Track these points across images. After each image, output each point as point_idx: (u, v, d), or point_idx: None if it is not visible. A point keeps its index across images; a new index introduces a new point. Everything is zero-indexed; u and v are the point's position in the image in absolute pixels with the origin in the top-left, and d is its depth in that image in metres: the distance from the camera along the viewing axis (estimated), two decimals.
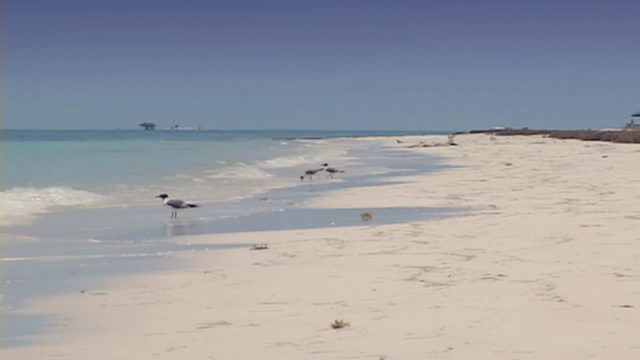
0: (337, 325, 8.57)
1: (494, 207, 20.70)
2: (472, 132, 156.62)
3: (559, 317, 8.86)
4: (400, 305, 9.60)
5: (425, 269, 11.92)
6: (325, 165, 38.83)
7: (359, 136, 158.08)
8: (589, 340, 7.95)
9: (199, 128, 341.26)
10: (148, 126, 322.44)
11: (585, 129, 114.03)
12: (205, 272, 12.11)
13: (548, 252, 13.18)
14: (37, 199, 23.40)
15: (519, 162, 46.49)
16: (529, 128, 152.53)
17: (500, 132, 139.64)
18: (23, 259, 13.96)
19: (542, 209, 20.00)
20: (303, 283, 11.21)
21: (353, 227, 17.31)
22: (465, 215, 19.04)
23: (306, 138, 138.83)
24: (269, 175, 39.56)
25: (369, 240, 15.15)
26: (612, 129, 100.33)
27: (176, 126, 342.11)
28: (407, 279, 11.19)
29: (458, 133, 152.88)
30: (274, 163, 50.47)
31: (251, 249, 14.21)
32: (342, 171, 36.71)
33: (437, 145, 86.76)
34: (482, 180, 31.14)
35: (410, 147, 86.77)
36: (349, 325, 8.59)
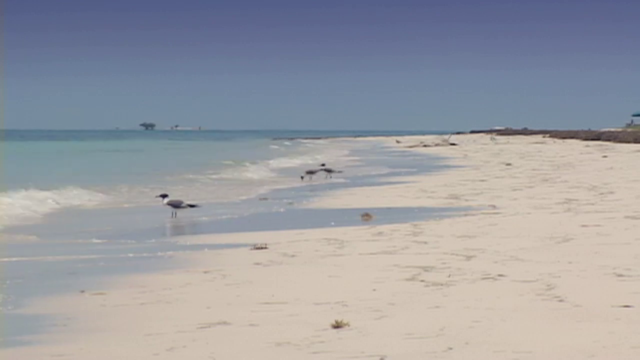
0: (337, 325, 8.58)
1: (494, 207, 20.70)
2: (472, 132, 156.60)
3: (559, 317, 8.86)
4: (400, 305, 9.60)
5: (425, 269, 11.92)
6: (323, 165, 38.89)
7: (359, 136, 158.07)
8: (589, 340, 7.95)
9: (199, 128, 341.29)
10: (148, 126, 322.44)
11: (585, 129, 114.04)
12: (205, 272, 12.11)
13: (548, 252, 13.18)
14: (40, 199, 23.37)
15: (519, 162, 46.50)
16: (529, 128, 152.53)
17: (500, 132, 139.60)
18: (23, 259, 13.95)
19: (542, 209, 20.00)
20: (303, 283, 11.21)
21: (353, 227, 17.31)
22: (465, 215, 19.04)
23: (306, 138, 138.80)
24: (274, 175, 39.55)
25: (369, 240, 15.15)
26: (612, 129, 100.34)
27: (176, 126, 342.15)
28: (407, 279, 11.19)
29: (458, 133, 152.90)
30: (278, 163, 50.43)
31: (251, 249, 14.21)
32: (340, 171, 36.76)
33: (437, 145, 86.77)
34: (482, 180, 31.14)
35: (410, 147, 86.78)
36: (349, 325, 8.59)
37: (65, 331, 8.89)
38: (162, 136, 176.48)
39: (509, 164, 43.22)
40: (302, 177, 34.28)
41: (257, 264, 12.82)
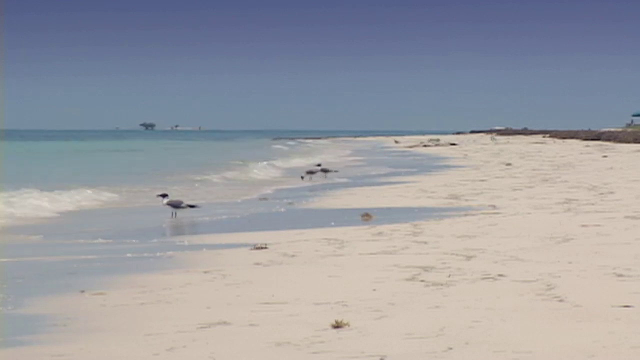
0: (337, 325, 8.58)
1: (494, 207, 20.70)
2: (472, 132, 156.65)
3: (559, 317, 8.86)
4: (400, 305, 9.60)
5: (425, 269, 11.92)
6: (319, 165, 38.99)
7: (359, 136, 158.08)
8: (589, 340, 7.95)
9: (199, 128, 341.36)
10: (148, 126, 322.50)
11: (585, 129, 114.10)
12: (205, 272, 12.11)
13: (548, 252, 13.18)
14: (42, 199, 23.28)
15: (519, 162, 46.50)
16: (529, 128, 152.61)
17: (500, 132, 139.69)
18: (23, 259, 13.96)
19: (542, 209, 20.00)
20: (303, 283, 11.21)
21: (353, 227, 17.31)
22: (465, 215, 19.04)
23: (306, 138, 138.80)
24: (280, 175, 39.51)
25: (369, 240, 15.15)
26: (612, 129, 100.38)
27: (176, 126, 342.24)
28: (407, 279, 11.19)
29: (459, 133, 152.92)
30: (283, 163, 50.33)
31: (251, 249, 14.22)
32: (336, 171, 36.89)
33: (436, 145, 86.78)
34: (482, 180, 31.14)
35: (410, 147, 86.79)
36: (349, 325, 8.59)
37: (65, 331, 8.89)
38: (162, 136, 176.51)
39: (509, 164, 43.22)
40: (302, 177, 34.40)
41: (257, 264, 12.83)
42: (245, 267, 12.53)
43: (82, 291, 10.92)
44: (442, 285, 10.73)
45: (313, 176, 34.43)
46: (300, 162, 52.12)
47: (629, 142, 71.14)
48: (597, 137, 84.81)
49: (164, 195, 21.08)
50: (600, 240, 14.38)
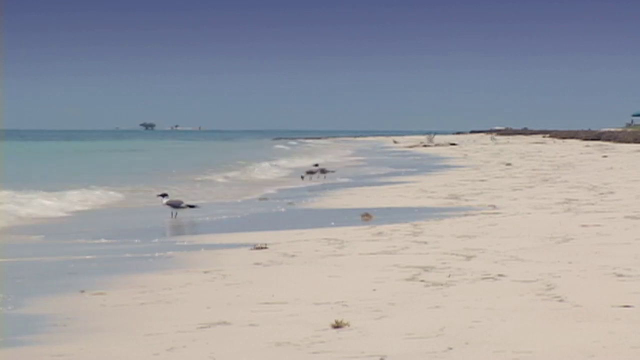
0: (337, 325, 8.58)
1: (494, 207, 20.70)
2: (472, 132, 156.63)
3: (559, 317, 8.87)
4: (400, 305, 9.60)
5: (425, 269, 11.92)
6: (316, 165, 39.07)
7: (359, 136, 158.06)
8: (589, 340, 7.95)
9: (199, 128, 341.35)
10: (148, 126, 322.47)
11: (585, 129, 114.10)
12: (205, 272, 12.11)
13: (548, 252, 13.18)
14: (45, 200, 23.19)
15: (519, 162, 46.51)
16: (529, 128, 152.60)
17: (500, 132, 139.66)
18: (24, 259, 13.96)
19: (542, 209, 20.00)
20: (303, 283, 11.21)
21: (353, 227, 17.31)
22: (465, 215, 19.04)
23: (306, 138, 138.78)
24: (285, 175, 39.46)
25: (369, 240, 15.15)
26: (612, 129, 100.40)
27: (176, 126, 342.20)
28: (407, 279, 11.19)
29: (459, 133, 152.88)
30: (288, 163, 50.27)
31: (251, 249, 14.22)
32: (333, 171, 37.00)
33: (437, 145, 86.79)
34: (482, 180, 31.14)
35: (410, 147, 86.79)
36: (349, 325, 8.59)
37: (65, 331, 8.89)
38: (162, 136, 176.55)
39: (509, 164, 43.22)
40: (302, 177, 34.54)
41: (257, 264, 12.83)
42: (245, 267, 12.53)
43: (82, 291, 10.92)
44: (442, 285, 10.73)
45: (312, 176, 34.58)
46: (303, 162, 52.00)
47: (629, 142, 71.14)
48: (597, 137, 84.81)
49: (164, 195, 21.08)
50: (600, 240, 14.38)
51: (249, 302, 10.02)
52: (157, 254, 14.12)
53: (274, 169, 43.81)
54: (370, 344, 7.99)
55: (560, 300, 9.65)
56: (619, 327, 8.39)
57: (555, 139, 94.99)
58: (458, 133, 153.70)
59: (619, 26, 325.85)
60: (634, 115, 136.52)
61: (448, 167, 44.33)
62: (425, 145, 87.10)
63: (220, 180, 34.90)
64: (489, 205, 21.06)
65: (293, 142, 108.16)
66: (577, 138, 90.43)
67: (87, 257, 13.93)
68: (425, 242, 14.62)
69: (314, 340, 8.15)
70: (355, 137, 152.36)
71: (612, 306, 9.29)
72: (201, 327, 8.80)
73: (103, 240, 16.10)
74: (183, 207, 20.55)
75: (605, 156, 49.56)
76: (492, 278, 11.12)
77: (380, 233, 16.11)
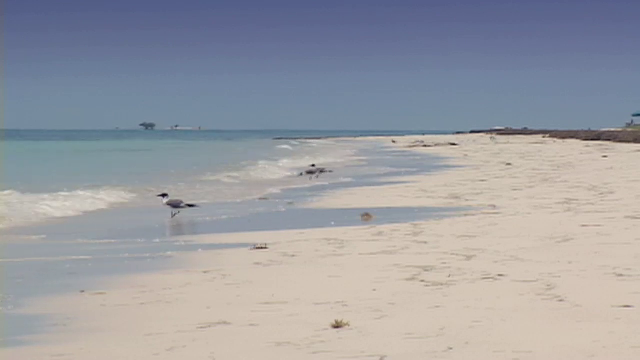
0: (337, 325, 8.58)
1: (494, 207, 20.70)
2: (472, 132, 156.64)
3: (559, 317, 8.87)
4: (400, 305, 9.60)
5: (425, 269, 11.92)
6: (313, 165, 39.18)
7: (359, 136, 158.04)
8: (589, 340, 7.95)
9: (199, 128, 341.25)
10: (148, 126, 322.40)
11: (585, 129, 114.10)
12: (205, 272, 12.11)
13: (548, 252, 13.18)
14: (49, 200, 23.12)
15: (519, 162, 46.50)
16: (529, 128, 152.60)
17: (500, 132, 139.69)
18: (24, 259, 13.96)
19: (542, 209, 20.00)
20: (303, 283, 11.21)
21: (353, 227, 17.31)
22: (465, 215, 19.04)
23: (307, 138, 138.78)
24: (288, 175, 39.44)
25: (369, 240, 15.15)
26: (612, 129, 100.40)
27: (176, 126, 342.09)
28: (407, 279, 11.19)
29: (459, 133, 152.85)
30: (293, 163, 50.25)
31: (251, 249, 14.22)
32: (330, 171, 37.11)
33: (437, 145, 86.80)
34: (482, 180, 31.14)
35: (410, 147, 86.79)
36: (349, 325, 8.59)
37: (65, 331, 8.89)
38: (162, 136, 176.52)
39: (509, 164, 43.22)
40: (301, 174, 34.96)
41: (257, 264, 12.83)
42: (245, 267, 12.53)
43: (82, 291, 10.92)
44: (442, 285, 10.73)
45: (312, 176, 34.73)
46: (307, 162, 51.92)
47: (629, 142, 71.14)
48: (597, 137, 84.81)
49: (164, 195, 21.11)
50: (600, 240, 14.38)
51: (249, 302, 10.02)
52: (157, 254, 14.12)
53: (282, 169, 43.70)
54: (370, 344, 7.99)
55: (560, 300, 9.65)
56: (619, 327, 8.39)
57: (555, 139, 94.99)
58: (458, 133, 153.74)
59: (619, 26, 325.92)
60: (634, 115, 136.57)
61: (448, 167, 44.33)
62: (425, 145, 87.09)
63: (226, 180, 34.85)
64: (489, 205, 21.06)
65: (295, 142, 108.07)
66: (577, 138, 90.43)
67: (87, 257, 13.93)
68: (425, 242, 14.62)
69: (314, 340, 8.15)
70: (355, 137, 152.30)
71: (612, 306, 9.29)
72: (201, 327, 8.80)
73: (103, 241, 16.11)
74: (183, 207, 20.57)
75: (605, 156, 49.55)
76: (492, 278, 11.12)
77: (380, 233, 16.11)
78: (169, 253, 14.29)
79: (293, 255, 13.53)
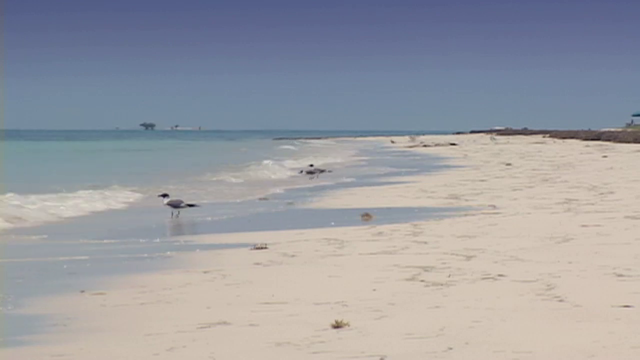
0: (337, 325, 8.58)
1: (494, 207, 20.70)
2: (472, 132, 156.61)
3: (559, 317, 8.87)
4: (400, 305, 9.60)
5: (425, 269, 11.92)
6: (311, 166, 39.24)
7: (359, 136, 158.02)
8: (589, 340, 7.95)
9: (199, 128, 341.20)
10: (148, 126, 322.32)
11: (585, 129, 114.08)
12: (205, 272, 12.11)
13: (548, 252, 13.18)
14: (54, 200, 23.01)
15: (519, 162, 46.51)
16: (529, 128, 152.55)
17: (500, 132, 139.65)
18: (24, 259, 13.96)
19: (542, 209, 20.00)
20: (303, 283, 11.21)
21: (353, 227, 17.32)
22: (465, 215, 19.04)
23: (307, 138, 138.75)
24: (293, 175, 39.42)
25: (369, 240, 15.16)
26: (612, 129, 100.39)
27: (176, 126, 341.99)
28: (407, 279, 11.19)
29: (459, 133, 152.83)
30: (298, 163, 50.21)
31: (251, 249, 14.22)
32: (329, 171, 37.18)
33: (437, 145, 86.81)
34: (482, 180, 31.14)
35: (410, 147, 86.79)
36: (349, 325, 8.59)
37: (65, 331, 8.89)
38: (162, 136, 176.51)
39: (509, 164, 43.22)
40: (301, 172, 35.39)
41: (257, 264, 12.83)
42: (245, 267, 12.53)
43: (82, 291, 10.92)
44: (442, 285, 10.73)
45: (312, 176, 34.81)
46: (313, 162, 51.86)
47: (629, 142, 71.14)
48: (597, 137, 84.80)
49: (165, 196, 21.14)
50: (600, 240, 14.38)
51: (249, 302, 10.02)
52: (157, 254, 14.12)
53: (287, 170, 43.60)
54: (370, 344, 7.99)
55: (560, 300, 9.66)
56: (619, 327, 8.39)
57: (555, 139, 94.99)
58: (458, 133, 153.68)
59: (619, 26, 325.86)
60: (634, 115, 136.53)
61: (448, 167, 44.33)
62: (425, 145, 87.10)
63: (232, 180, 34.82)
64: (489, 205, 21.06)
65: (298, 143, 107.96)
66: (577, 138, 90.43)
67: (88, 257, 13.93)
68: (425, 242, 14.62)
69: (314, 340, 8.15)
70: (355, 137, 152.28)
71: (612, 306, 9.29)
72: (201, 327, 8.80)
73: (103, 241, 16.11)
74: (183, 207, 20.59)
75: (605, 156, 49.56)
76: (492, 278, 11.12)
77: (380, 233, 16.11)
78: (169, 253, 14.29)
79: (293, 255, 13.53)
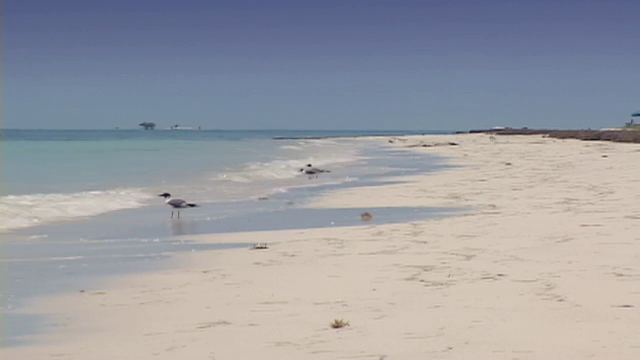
0: (337, 325, 8.58)
1: (494, 207, 20.71)
2: (472, 132, 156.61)
3: (559, 317, 8.87)
4: (400, 305, 9.60)
5: (425, 269, 11.92)
6: (309, 166, 39.27)
7: (359, 136, 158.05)
8: (589, 340, 7.95)
9: (199, 128, 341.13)
10: (148, 126, 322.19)
11: (585, 129, 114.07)
12: (205, 272, 12.12)
13: (548, 252, 13.18)
14: (57, 201, 22.99)
15: (519, 162, 46.51)
16: (529, 128, 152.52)
17: (500, 132, 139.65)
18: (24, 259, 13.96)
19: (542, 209, 20.01)
20: (303, 283, 11.22)
21: (353, 227, 17.32)
22: (465, 215, 19.04)
23: (307, 138, 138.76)
24: (298, 175, 39.42)
25: (369, 240, 15.16)
26: (612, 129, 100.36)
27: (176, 126, 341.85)
28: (407, 279, 11.19)
29: (459, 133, 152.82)
30: (300, 164, 50.11)
31: (251, 249, 14.22)
32: (328, 171, 37.21)
33: (437, 145, 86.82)
34: (482, 180, 31.15)
35: (410, 147, 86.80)
36: (349, 325, 8.59)
37: (65, 331, 8.89)
38: (162, 136, 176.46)
39: (509, 164, 43.23)
40: (301, 170, 35.64)
41: (257, 264, 12.83)
42: (245, 267, 12.54)
43: (82, 291, 10.92)
44: (442, 285, 10.73)
45: (312, 176, 34.87)
46: (315, 162, 51.84)
47: (629, 142, 71.15)
48: (597, 137, 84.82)
49: (167, 195, 21.18)
50: (600, 240, 14.38)
51: (249, 302, 10.03)
52: (157, 254, 14.13)
53: (293, 170, 43.51)
54: (370, 344, 7.99)
55: (560, 300, 9.66)
56: (619, 327, 8.39)
57: (555, 139, 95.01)
58: (458, 133, 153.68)
59: (619, 26, 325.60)
60: (634, 115, 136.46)
61: (448, 167, 44.33)
62: (425, 145, 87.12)
63: (239, 180, 34.82)
64: (489, 205, 21.07)
65: (303, 143, 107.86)
66: (577, 138, 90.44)
67: (88, 257, 13.93)
68: (425, 242, 14.62)
69: (314, 340, 8.15)
70: (355, 137, 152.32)
71: (612, 306, 9.29)
72: (201, 327, 8.80)
73: (104, 241, 16.11)
74: (184, 207, 20.63)
75: (605, 156, 49.56)
76: (492, 278, 11.13)
77: (380, 233, 16.11)
78: (169, 253, 14.29)
79: (293, 255, 13.53)
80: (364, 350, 7.80)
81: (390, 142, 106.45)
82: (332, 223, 18.11)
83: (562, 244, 14.07)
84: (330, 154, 67.40)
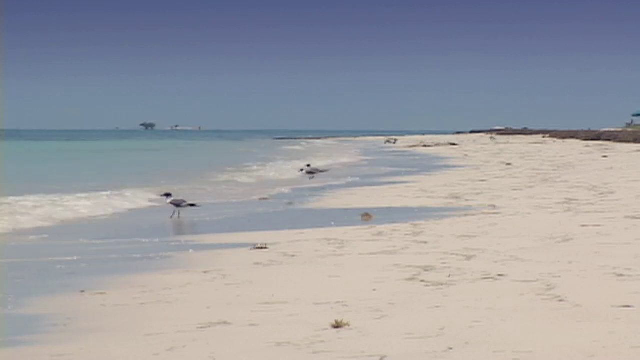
0: (337, 325, 8.58)
1: (494, 207, 20.71)
2: (472, 132, 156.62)
3: (559, 317, 8.87)
4: (400, 305, 9.60)
5: (425, 269, 11.92)
6: (308, 166, 39.30)
7: (359, 136, 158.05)
8: (589, 340, 7.96)
9: (199, 128, 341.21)
10: (148, 126, 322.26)
11: (585, 129, 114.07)
12: (205, 272, 12.12)
13: (548, 252, 13.19)
14: (59, 201, 22.95)
15: (519, 162, 46.50)
16: (529, 128, 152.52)
17: (500, 132, 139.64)
18: (24, 259, 13.96)
19: (542, 209, 20.01)
20: (303, 283, 11.22)
21: (353, 227, 17.32)
22: (465, 215, 19.04)
23: (307, 138, 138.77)
24: (302, 174, 39.39)
25: (369, 240, 15.16)
26: (612, 129, 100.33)
27: (176, 126, 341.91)
28: (407, 279, 11.19)
29: (459, 133, 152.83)
30: (301, 164, 50.07)
31: (251, 249, 14.22)
32: (327, 171, 37.26)
33: (437, 145, 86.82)
34: (482, 180, 31.14)
35: (410, 147, 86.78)
36: (349, 325, 8.59)
37: (65, 331, 8.89)
38: (162, 136, 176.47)
39: (509, 164, 43.22)
40: (301, 170, 35.68)
41: (257, 264, 12.83)
42: (245, 267, 12.54)
43: (82, 291, 10.93)
44: (442, 285, 10.73)
45: (313, 176, 34.90)
46: (318, 163, 51.77)
47: (629, 142, 71.13)
48: (597, 137, 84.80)
49: (168, 195, 21.22)
50: (600, 240, 14.38)
51: (249, 302, 10.03)
52: (156, 254, 14.13)
53: (292, 170, 43.49)
54: (370, 344, 8.00)
55: (560, 300, 9.66)
56: (619, 327, 8.39)
57: (555, 139, 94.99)
58: (458, 133, 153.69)
59: (619, 26, 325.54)
60: (634, 115, 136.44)
61: (448, 167, 44.33)
62: (425, 145, 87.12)
63: (243, 180, 34.81)
64: (489, 205, 21.07)
65: (305, 143, 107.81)
66: (577, 138, 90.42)
67: (87, 257, 13.93)
68: (425, 242, 14.62)
69: (314, 340, 8.15)
70: (355, 137, 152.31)
71: (612, 306, 9.29)
72: (201, 327, 8.80)
73: (104, 241, 16.11)
74: (184, 207, 20.66)
75: (605, 156, 49.56)
76: (492, 278, 11.13)
77: (380, 233, 16.12)
78: (169, 253, 14.29)
79: (293, 255, 13.53)
80: (364, 350, 7.80)
81: (388, 142, 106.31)
82: (332, 223, 18.11)
83: (562, 244, 14.07)
84: (330, 154, 67.39)
